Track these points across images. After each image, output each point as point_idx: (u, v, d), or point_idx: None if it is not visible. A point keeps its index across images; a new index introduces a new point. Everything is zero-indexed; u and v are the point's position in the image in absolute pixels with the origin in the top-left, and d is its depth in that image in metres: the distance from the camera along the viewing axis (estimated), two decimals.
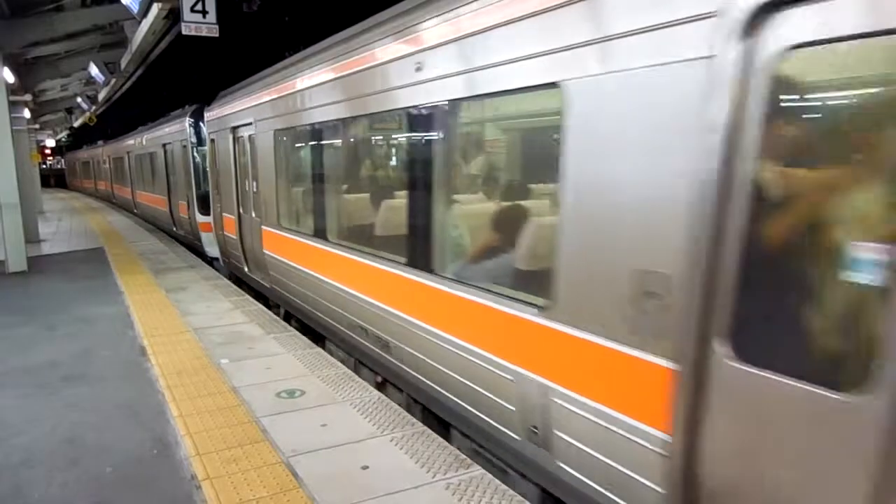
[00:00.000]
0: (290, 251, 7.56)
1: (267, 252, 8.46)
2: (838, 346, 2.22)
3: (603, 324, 3.04)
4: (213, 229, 11.88)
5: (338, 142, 6.67)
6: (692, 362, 2.57)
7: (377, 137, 6.33)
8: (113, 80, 18.11)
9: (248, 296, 9.12)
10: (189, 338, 6.89)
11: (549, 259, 3.37)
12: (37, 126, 28.97)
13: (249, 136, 8.86)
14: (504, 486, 3.73)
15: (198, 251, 13.30)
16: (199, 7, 7.96)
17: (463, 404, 4.32)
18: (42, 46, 14.48)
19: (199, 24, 8.01)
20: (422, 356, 4.76)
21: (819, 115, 2.44)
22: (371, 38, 5.30)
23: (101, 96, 22.43)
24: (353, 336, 6.09)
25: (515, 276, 3.96)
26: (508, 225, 4.16)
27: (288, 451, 4.17)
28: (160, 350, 6.45)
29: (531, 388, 3.54)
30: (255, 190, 8.82)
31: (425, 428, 4.54)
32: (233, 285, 9.88)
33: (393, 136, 5.82)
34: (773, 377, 2.28)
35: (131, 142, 21.82)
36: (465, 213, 4.73)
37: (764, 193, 2.36)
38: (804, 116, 2.44)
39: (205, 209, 12.48)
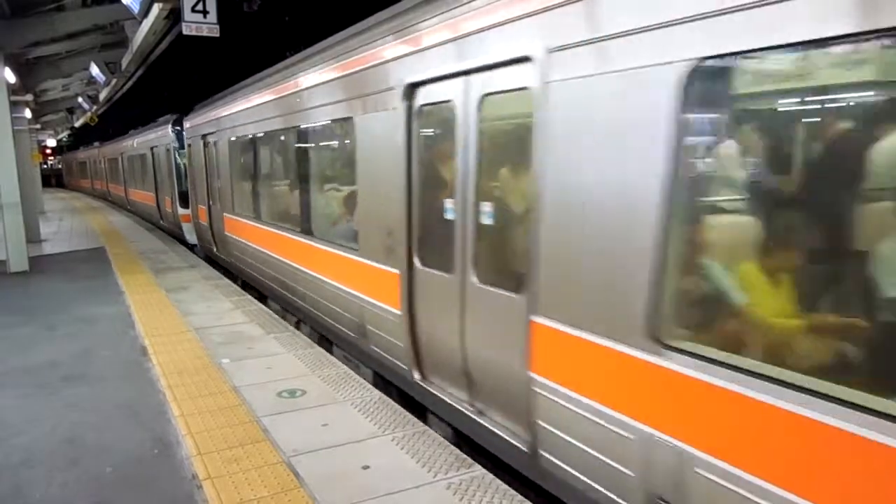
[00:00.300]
0: (241, 231, 10.08)
1: (227, 233, 10.89)
2: (444, 253, 4.39)
3: (376, 254, 5.41)
4: (191, 220, 14.08)
5: (264, 149, 9.21)
6: (406, 269, 4.88)
7: (281, 147, 8.69)
8: (114, 80, 18.08)
9: (248, 296, 9.13)
10: (190, 337, 6.89)
11: (357, 223, 5.88)
12: (38, 126, 28.94)
13: (214, 142, 11.12)
14: (505, 486, 3.73)
15: (181, 239, 15.29)
16: (199, 7, 7.94)
17: (335, 324, 6.53)
18: (43, 46, 14.46)
19: (200, 24, 7.99)
20: (312, 294, 7.09)
21: (431, 142, 4.76)
22: (281, 77, 7.73)
23: (102, 96, 22.41)
24: (280, 290, 8.40)
25: (348, 234, 6.17)
26: (345, 205, 6.54)
27: (289, 451, 4.16)
28: (161, 350, 6.45)
29: (354, 300, 5.88)
30: (218, 185, 11.11)
31: (426, 427, 4.55)
32: (233, 285, 9.90)
33: (292, 146, 8.04)
34: (431, 270, 4.64)
35: (124, 144, 23.79)
36: (327, 197, 7.21)
37: (415, 180, 4.77)
38: (427, 142, 4.77)
39: (185, 203, 14.45)
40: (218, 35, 8.23)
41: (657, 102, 2.67)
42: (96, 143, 35.63)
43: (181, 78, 22.77)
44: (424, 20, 4.48)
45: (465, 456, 4.10)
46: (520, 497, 3.62)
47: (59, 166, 60.48)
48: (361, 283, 5.74)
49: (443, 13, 4.24)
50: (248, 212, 9.61)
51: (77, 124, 35.14)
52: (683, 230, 2.75)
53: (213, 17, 8.09)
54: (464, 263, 4.20)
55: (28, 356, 6.51)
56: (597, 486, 3.17)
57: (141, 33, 11.53)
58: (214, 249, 12.21)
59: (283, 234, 7.92)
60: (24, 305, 8.88)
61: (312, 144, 7.45)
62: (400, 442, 4.28)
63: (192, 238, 14.41)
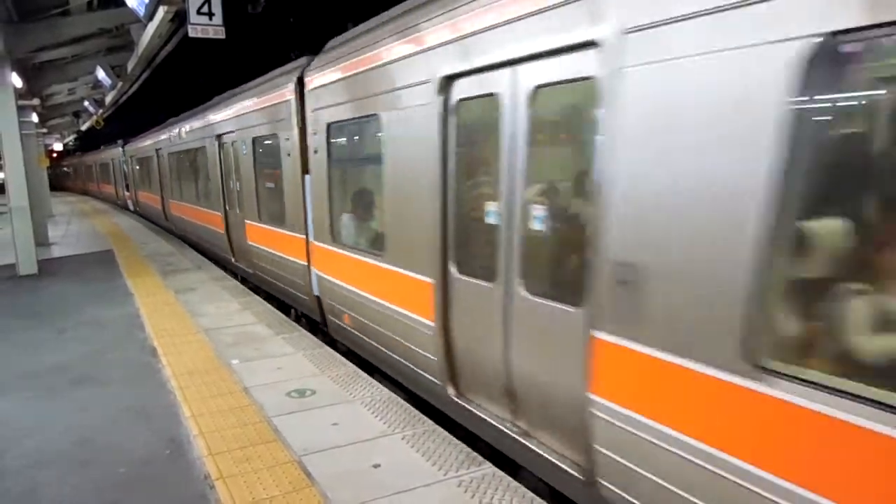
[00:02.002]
0: (145, 198, 21.87)
1: (141, 200, 23.23)
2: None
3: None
4: (131, 198, 26.42)
5: (145, 163, 20.94)
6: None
7: (150, 162, 19.42)
8: (119, 84, 18.15)
9: (256, 296, 9.15)
10: (199, 338, 6.92)
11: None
12: (44, 130, 29.09)
13: (131, 158, 24.27)
14: (516, 483, 3.73)
15: (126, 208, 28.14)
16: (205, 9, 7.93)
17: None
18: (49, 51, 14.49)
19: (206, 25, 7.98)
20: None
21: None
22: (145, 135, 20.52)
23: (108, 99, 22.47)
24: (148, 215, 22.89)
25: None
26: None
27: (300, 450, 4.18)
28: (171, 351, 6.48)
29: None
30: (137, 179, 23.79)
31: (436, 426, 4.55)
32: (241, 286, 9.94)
33: (156, 162, 18.52)
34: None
35: (97, 156, 38.38)
36: (150, 178, 20.13)
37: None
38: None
39: (128, 190, 27.02)
40: (224, 37, 8.23)
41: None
42: (78, 154, 51.26)
43: (186, 80, 22.89)
44: None
45: (475, 454, 4.11)
46: (531, 494, 3.62)
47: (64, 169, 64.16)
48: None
49: None
50: (146, 189, 21.27)
51: (83, 128, 35.30)
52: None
53: (218, 18, 8.08)
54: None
55: (39, 358, 6.55)
56: None
57: (146, 36, 11.56)
58: (139, 209, 24.67)
59: (148, 192, 20.38)
60: (33, 308, 8.94)
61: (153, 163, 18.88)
62: (410, 440, 4.29)
63: (132, 207, 26.58)
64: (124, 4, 10.29)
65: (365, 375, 5.65)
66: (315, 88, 6.57)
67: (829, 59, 2.15)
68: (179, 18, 9.59)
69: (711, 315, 2.53)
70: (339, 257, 6.19)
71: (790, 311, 2.47)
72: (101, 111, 25.99)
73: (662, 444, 2.79)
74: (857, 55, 2.19)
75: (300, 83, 6.94)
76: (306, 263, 7.24)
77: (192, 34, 8.22)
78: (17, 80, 12.32)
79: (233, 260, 11.22)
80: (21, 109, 13.20)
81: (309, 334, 7.11)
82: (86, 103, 25.39)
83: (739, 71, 2.37)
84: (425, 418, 4.68)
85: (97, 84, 19.94)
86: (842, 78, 2.28)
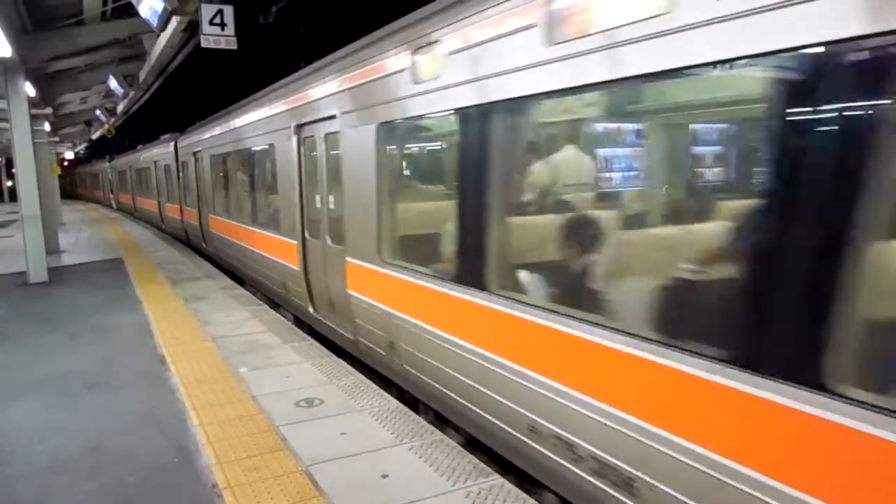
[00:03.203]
0: (121, 196, 33.02)
1: (120, 200, 33.69)
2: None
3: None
4: (115, 199, 35.64)
5: (120, 173, 32.47)
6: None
7: (125, 172, 30.96)
8: (132, 93, 18.35)
9: (265, 305, 9.19)
10: (208, 346, 6.95)
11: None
12: (56, 139, 29.37)
13: (117, 170, 33.72)
14: (524, 495, 3.72)
15: (110, 206, 36.63)
16: (217, 20, 8.04)
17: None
18: (63, 60, 14.68)
19: (218, 36, 8.08)
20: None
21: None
22: (122, 156, 32.38)
23: (120, 109, 22.72)
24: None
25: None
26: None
27: (308, 460, 4.18)
28: (180, 359, 6.51)
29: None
30: (117, 184, 34.58)
31: (444, 436, 4.55)
32: (250, 294, 9.99)
33: (128, 172, 30.24)
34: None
35: (91, 168, 49.43)
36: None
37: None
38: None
39: (112, 193, 36.22)
40: (235, 47, 8.33)
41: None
42: (75, 165, 60.86)
43: (197, 89, 23.12)
44: None
45: (483, 465, 4.10)
46: None
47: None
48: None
49: None
50: (123, 192, 31.42)
51: (94, 136, 35.65)
52: None
53: (230, 29, 8.18)
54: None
55: (50, 365, 6.60)
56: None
57: (158, 46, 11.71)
58: (119, 207, 33.05)
59: (124, 193, 31.25)
60: (45, 315, 9.00)
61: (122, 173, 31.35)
62: (418, 451, 4.29)
63: (114, 205, 35.63)
64: (137, 15, 10.42)
65: (373, 385, 5.66)
66: (179, 147, 16.49)
67: None
68: (192, 29, 9.72)
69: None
70: (185, 210, 15.84)
71: None
72: (112, 120, 26.26)
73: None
74: None
75: (175, 144, 16.76)
76: (180, 217, 16.93)
77: (204, 45, 8.32)
78: (30, 89, 12.46)
79: (162, 226, 20.59)
80: (34, 118, 13.31)
81: (317, 343, 7.13)
82: (98, 112, 25.63)
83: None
84: (433, 429, 4.68)
85: (109, 93, 20.17)
86: None
